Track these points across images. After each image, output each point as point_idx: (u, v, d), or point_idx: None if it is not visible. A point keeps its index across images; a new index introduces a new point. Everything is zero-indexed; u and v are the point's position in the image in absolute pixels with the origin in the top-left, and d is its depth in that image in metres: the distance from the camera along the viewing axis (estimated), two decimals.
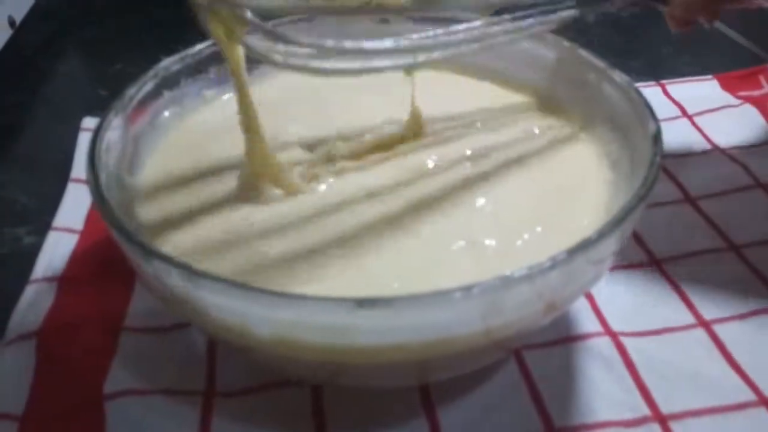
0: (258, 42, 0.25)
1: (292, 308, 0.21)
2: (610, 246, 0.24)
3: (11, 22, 0.53)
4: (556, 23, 0.31)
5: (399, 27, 0.34)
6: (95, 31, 0.63)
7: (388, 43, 0.25)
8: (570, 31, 0.33)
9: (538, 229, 0.27)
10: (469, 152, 0.32)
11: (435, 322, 0.22)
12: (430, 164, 0.31)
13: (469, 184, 0.30)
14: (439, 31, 0.27)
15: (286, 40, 0.24)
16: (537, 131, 0.33)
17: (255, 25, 0.24)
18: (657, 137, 0.27)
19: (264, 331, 0.22)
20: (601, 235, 0.23)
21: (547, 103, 0.35)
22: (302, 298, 0.21)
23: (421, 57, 0.26)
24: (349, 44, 0.24)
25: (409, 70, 0.27)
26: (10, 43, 0.53)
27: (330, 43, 0.24)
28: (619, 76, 0.31)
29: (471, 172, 0.30)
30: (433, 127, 0.33)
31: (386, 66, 0.25)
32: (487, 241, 0.27)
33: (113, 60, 0.57)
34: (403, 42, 0.25)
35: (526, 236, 0.27)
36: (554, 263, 0.22)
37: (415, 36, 0.26)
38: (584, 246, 0.22)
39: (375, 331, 0.22)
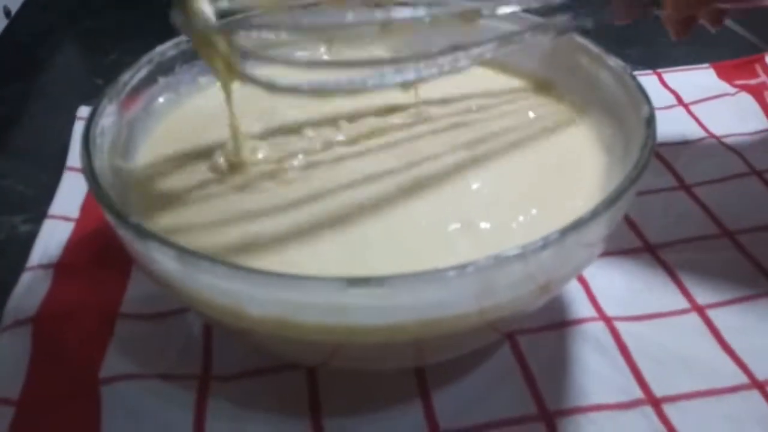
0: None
1: (285, 288, 0.21)
2: (602, 227, 0.24)
3: (6, 12, 0.53)
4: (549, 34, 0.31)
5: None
6: (91, 22, 0.63)
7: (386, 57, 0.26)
8: None
9: (533, 211, 0.27)
10: (464, 136, 0.31)
11: (428, 301, 0.22)
12: (426, 148, 0.31)
13: (464, 167, 0.30)
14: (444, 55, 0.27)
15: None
16: (532, 115, 0.33)
17: (250, 55, 0.25)
18: (650, 120, 0.27)
19: (258, 311, 0.23)
20: (594, 215, 0.23)
21: (543, 88, 0.35)
22: (294, 277, 0.21)
23: (424, 73, 0.26)
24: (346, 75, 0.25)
25: (406, 85, 0.27)
26: (7, 33, 0.53)
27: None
28: (613, 61, 0.31)
29: (466, 155, 0.30)
30: (430, 111, 0.33)
31: (383, 84, 0.26)
32: (483, 224, 0.27)
33: (109, 50, 0.57)
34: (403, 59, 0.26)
35: (521, 218, 0.27)
36: (547, 243, 0.22)
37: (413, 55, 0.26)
38: (577, 226, 0.22)
39: (368, 310, 0.22)
